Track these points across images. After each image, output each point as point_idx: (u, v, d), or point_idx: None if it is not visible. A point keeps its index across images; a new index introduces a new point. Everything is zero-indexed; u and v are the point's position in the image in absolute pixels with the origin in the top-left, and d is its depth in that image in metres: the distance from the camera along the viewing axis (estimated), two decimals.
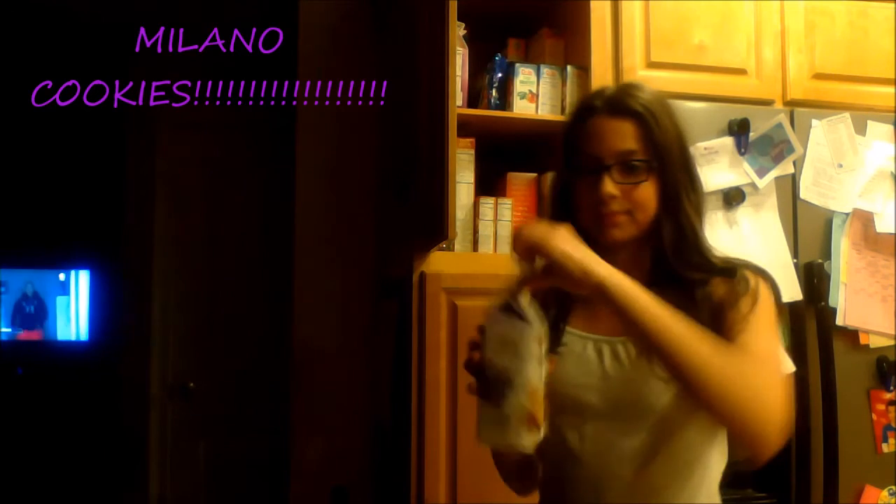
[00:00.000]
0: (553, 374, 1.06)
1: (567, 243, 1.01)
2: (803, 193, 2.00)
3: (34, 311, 7.00)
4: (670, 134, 1.15)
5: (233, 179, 3.48)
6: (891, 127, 2.06)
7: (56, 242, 6.78)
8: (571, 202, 1.19)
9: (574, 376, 1.14)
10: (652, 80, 2.03)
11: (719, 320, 1.08)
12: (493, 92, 2.07)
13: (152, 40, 3.45)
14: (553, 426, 1.08)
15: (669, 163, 1.14)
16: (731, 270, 1.14)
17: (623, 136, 1.14)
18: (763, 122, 1.97)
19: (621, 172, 1.13)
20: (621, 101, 1.16)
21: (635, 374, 1.10)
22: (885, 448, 1.97)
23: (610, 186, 1.12)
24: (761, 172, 1.95)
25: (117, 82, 3.66)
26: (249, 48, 3.42)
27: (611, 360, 1.14)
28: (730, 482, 1.82)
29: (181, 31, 3.42)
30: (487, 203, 2.02)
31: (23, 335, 6.91)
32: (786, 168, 1.98)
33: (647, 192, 1.14)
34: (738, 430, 1.02)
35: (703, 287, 1.13)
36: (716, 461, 1.16)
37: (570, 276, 1.00)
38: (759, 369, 1.03)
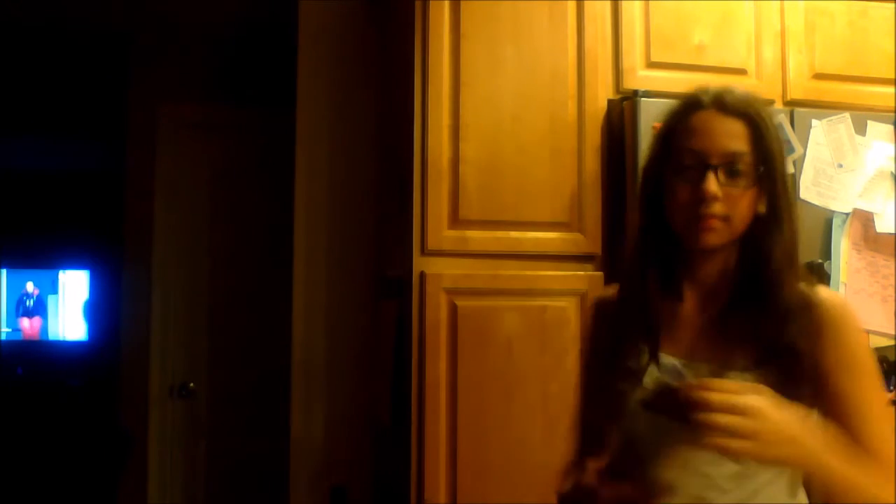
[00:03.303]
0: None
1: (780, 443, 0.91)
2: (803, 193, 2.00)
3: (34, 307, 7.01)
4: (777, 144, 1.10)
5: (233, 179, 3.48)
6: (891, 127, 2.06)
7: (56, 242, 6.80)
8: (663, 201, 1.11)
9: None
10: (652, 80, 2.04)
11: (812, 361, 1.04)
12: None
13: (153, 40, 3.45)
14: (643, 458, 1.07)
15: (777, 173, 1.08)
16: (815, 303, 1.07)
17: (732, 136, 1.07)
18: None
19: (726, 174, 1.06)
20: (732, 100, 1.09)
21: None
22: None
23: (714, 186, 1.04)
24: None
25: (118, 83, 3.66)
26: (249, 48, 3.43)
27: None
28: None
29: (181, 31, 3.42)
30: None
31: (25, 326, 6.93)
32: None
33: (749, 200, 1.07)
34: None
35: (785, 312, 1.06)
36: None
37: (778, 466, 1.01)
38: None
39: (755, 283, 1.08)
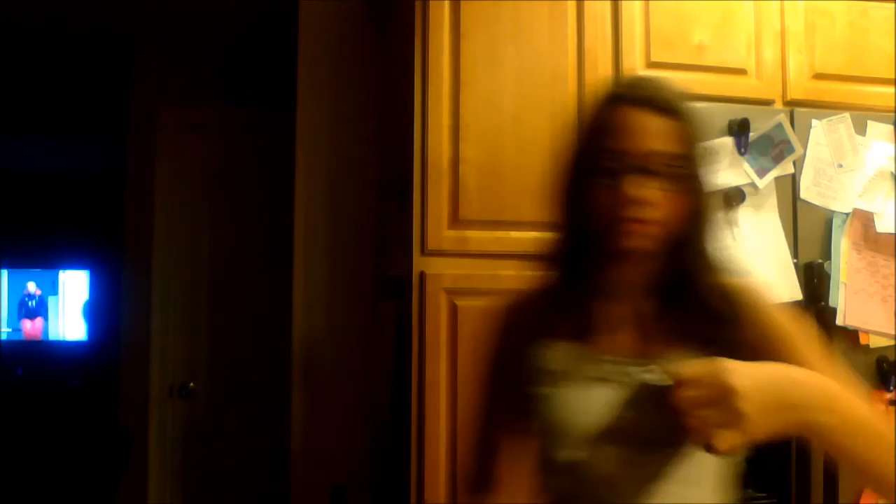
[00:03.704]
0: (567, 399, 1.01)
1: (766, 411, 0.85)
2: (803, 193, 2.00)
3: (36, 307, 7.02)
4: (700, 141, 1.03)
5: (233, 179, 3.48)
6: (891, 127, 2.06)
7: (56, 243, 6.81)
8: (581, 202, 1.03)
9: (583, 402, 1.03)
10: None
11: (755, 350, 0.98)
12: None
13: (153, 41, 3.45)
14: (564, 455, 1.01)
15: (702, 170, 1.02)
16: (738, 294, 1.04)
17: (659, 135, 0.99)
18: (763, 122, 1.97)
19: (655, 176, 0.98)
20: (658, 94, 1.01)
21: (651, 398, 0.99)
22: None
23: (642, 190, 0.97)
24: (761, 172, 1.95)
25: (119, 83, 3.67)
26: (249, 48, 3.43)
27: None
28: None
29: (182, 31, 3.42)
30: None
31: (27, 327, 6.93)
32: (786, 168, 1.98)
33: (677, 202, 1.00)
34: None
35: (718, 312, 1.02)
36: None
37: (776, 438, 0.86)
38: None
39: (683, 283, 1.04)
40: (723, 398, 0.84)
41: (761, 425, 0.85)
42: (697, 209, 1.03)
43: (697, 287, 1.03)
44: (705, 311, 1.02)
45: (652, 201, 0.98)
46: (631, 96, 1.01)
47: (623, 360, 1.02)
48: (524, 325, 1.12)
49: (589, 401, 1.02)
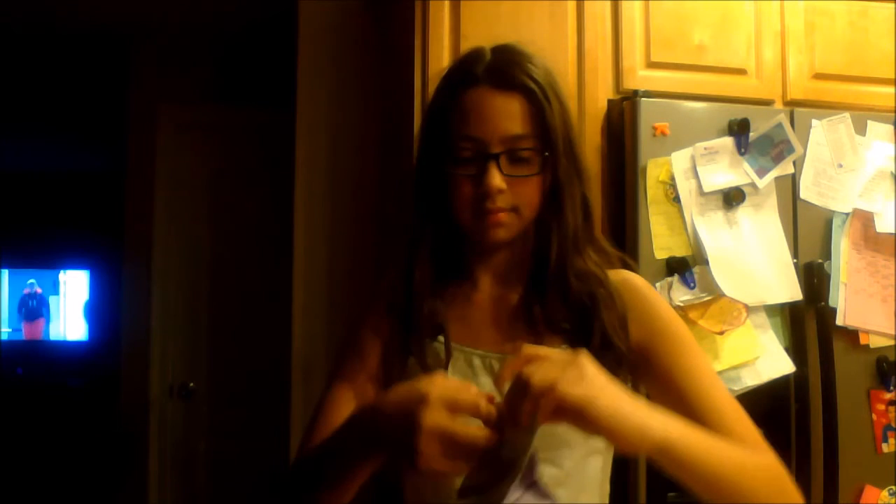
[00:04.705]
0: None
1: (614, 396, 0.75)
2: (803, 193, 2.00)
3: (36, 306, 7.02)
4: (561, 116, 0.96)
5: (233, 179, 3.48)
6: (891, 127, 2.06)
7: (57, 243, 6.81)
8: (440, 193, 0.97)
9: None
10: (652, 80, 2.04)
11: (627, 343, 0.95)
12: None
13: (153, 41, 3.45)
14: None
15: (560, 152, 0.95)
16: (613, 286, 0.98)
17: (511, 117, 0.93)
18: (763, 122, 1.97)
19: (509, 161, 0.93)
20: (506, 71, 0.94)
21: None
22: (885, 448, 1.97)
23: (498, 180, 0.92)
24: (761, 172, 1.95)
25: (119, 83, 3.67)
26: (249, 48, 3.43)
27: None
28: None
29: (182, 31, 3.42)
30: None
31: (28, 328, 6.93)
32: (786, 168, 1.98)
33: (537, 185, 0.95)
34: None
35: (587, 293, 0.97)
36: (605, 467, 1.03)
37: (623, 439, 0.75)
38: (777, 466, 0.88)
39: (548, 267, 0.98)
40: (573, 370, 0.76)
41: (609, 406, 0.75)
42: (559, 188, 0.97)
43: (564, 271, 0.98)
44: (574, 298, 0.97)
45: (511, 188, 0.93)
46: (479, 75, 0.95)
47: (490, 354, 0.98)
48: (388, 321, 1.04)
49: None
